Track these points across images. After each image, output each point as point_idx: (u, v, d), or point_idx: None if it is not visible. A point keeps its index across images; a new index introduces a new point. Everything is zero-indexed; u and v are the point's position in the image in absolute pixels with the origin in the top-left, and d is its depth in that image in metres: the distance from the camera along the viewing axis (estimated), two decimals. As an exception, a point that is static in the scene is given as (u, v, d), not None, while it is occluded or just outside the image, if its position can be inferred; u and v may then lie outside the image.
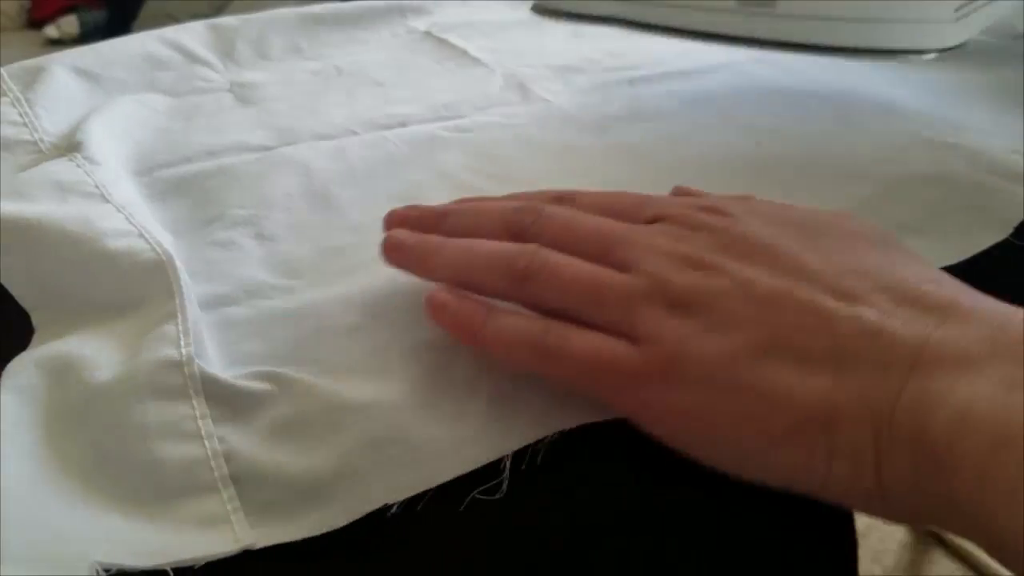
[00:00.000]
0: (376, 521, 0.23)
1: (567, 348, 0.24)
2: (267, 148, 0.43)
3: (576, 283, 0.25)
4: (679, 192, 0.32)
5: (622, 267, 0.25)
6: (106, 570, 0.20)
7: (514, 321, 0.25)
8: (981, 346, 0.20)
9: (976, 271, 0.33)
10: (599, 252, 0.25)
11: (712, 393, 0.22)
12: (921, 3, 0.42)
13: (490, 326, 0.25)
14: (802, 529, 0.26)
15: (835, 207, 0.36)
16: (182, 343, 0.26)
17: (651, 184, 0.33)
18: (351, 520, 0.23)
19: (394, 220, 0.30)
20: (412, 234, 0.29)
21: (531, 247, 0.26)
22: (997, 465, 0.19)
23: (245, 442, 0.24)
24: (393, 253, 0.29)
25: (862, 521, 0.25)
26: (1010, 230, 0.35)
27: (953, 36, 0.44)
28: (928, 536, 1.12)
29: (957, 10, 0.41)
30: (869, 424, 0.21)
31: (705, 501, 0.24)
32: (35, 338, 0.29)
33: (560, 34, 0.61)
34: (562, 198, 0.29)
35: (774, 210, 0.27)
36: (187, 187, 0.39)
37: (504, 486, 0.24)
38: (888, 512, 0.22)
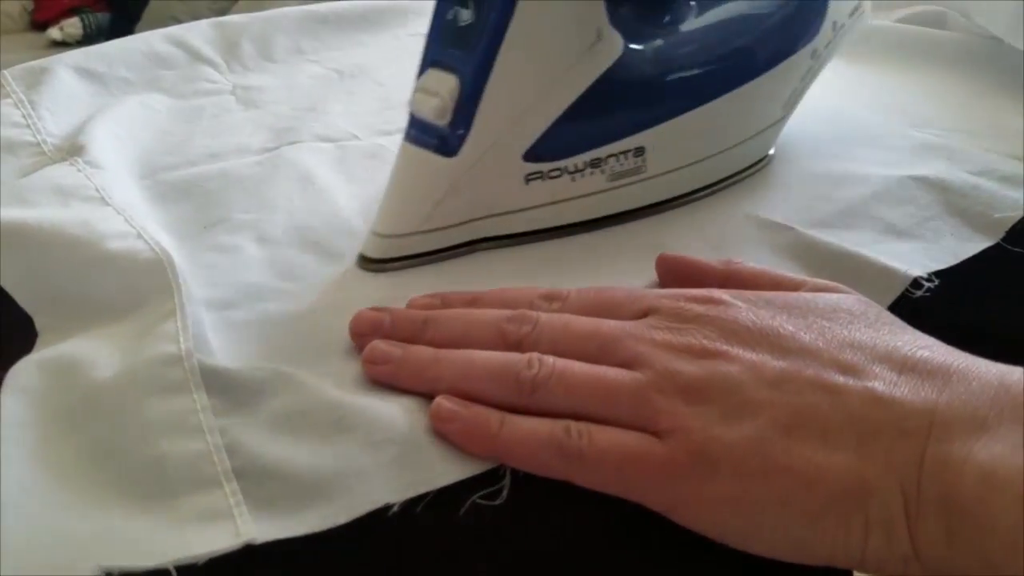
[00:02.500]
0: (376, 521, 0.23)
1: (592, 447, 0.23)
2: (269, 151, 0.43)
3: (586, 386, 0.25)
4: (664, 261, 0.32)
5: (627, 365, 0.25)
6: (108, 574, 0.20)
7: (532, 425, 0.24)
8: (988, 408, 0.21)
9: (969, 274, 0.33)
10: (600, 353, 0.25)
11: (746, 479, 0.22)
12: (761, 113, 0.40)
13: (506, 432, 0.24)
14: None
15: (828, 210, 0.37)
16: (181, 339, 0.26)
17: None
18: (352, 518, 0.23)
19: (364, 326, 0.28)
20: (399, 347, 0.27)
21: (535, 356, 0.25)
22: None
23: (248, 435, 0.24)
24: (378, 367, 0.27)
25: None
26: (1002, 234, 0.35)
27: (781, 130, 0.42)
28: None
29: (784, 106, 0.41)
30: (898, 491, 0.21)
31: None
32: (38, 342, 0.29)
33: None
34: (551, 296, 0.29)
35: (756, 294, 0.27)
36: (189, 190, 0.40)
37: (504, 492, 0.24)
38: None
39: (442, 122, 0.32)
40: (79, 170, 0.38)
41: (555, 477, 0.24)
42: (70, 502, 0.22)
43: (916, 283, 0.32)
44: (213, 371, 0.26)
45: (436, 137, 0.33)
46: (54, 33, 2.34)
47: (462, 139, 0.32)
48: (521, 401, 0.25)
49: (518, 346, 0.26)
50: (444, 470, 0.24)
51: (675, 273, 0.31)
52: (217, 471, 0.23)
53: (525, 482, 0.24)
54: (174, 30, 0.56)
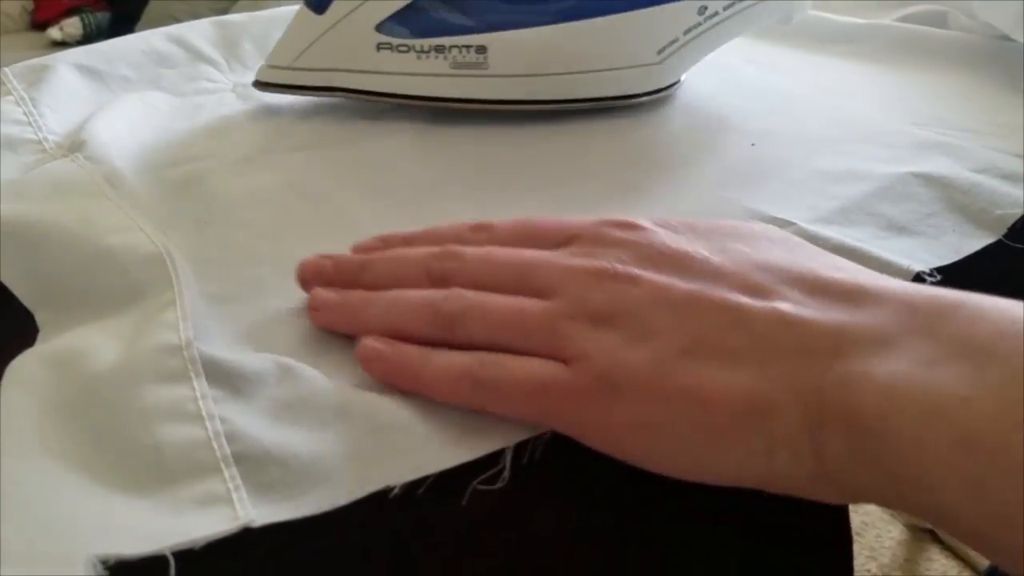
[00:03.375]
0: (376, 505, 0.23)
1: (504, 377, 0.24)
2: (268, 148, 0.44)
3: (501, 318, 0.25)
4: None
5: (542, 293, 0.25)
6: (104, 563, 0.20)
7: (450, 359, 0.25)
8: (894, 326, 0.22)
9: (970, 271, 0.33)
10: (517, 283, 0.26)
11: (648, 402, 0.23)
12: (624, 50, 0.44)
13: (428, 368, 0.25)
14: (798, 528, 0.26)
15: (830, 207, 0.37)
16: (181, 328, 0.26)
17: (647, 185, 0.33)
18: (352, 500, 0.23)
19: (308, 273, 0.30)
20: (335, 293, 0.29)
21: (454, 291, 0.26)
22: (930, 436, 0.20)
23: (248, 421, 0.24)
24: (318, 314, 0.29)
25: (857, 519, 0.26)
26: (1004, 230, 0.35)
27: (660, 78, 0.46)
28: (924, 533, 1.12)
29: (659, 52, 0.44)
30: (801, 410, 0.21)
31: (703, 499, 0.24)
32: (39, 337, 0.29)
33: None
34: (479, 228, 0.30)
35: (681, 221, 0.27)
36: (190, 186, 0.40)
37: (505, 474, 0.24)
38: (833, 494, 0.22)
39: None
40: (79, 166, 0.38)
41: (476, 408, 0.25)
42: (68, 489, 0.23)
43: (918, 278, 0.32)
44: (212, 360, 0.26)
45: None
46: (54, 33, 2.35)
47: (328, 1, 0.42)
48: (443, 336, 0.26)
49: (443, 281, 0.27)
50: (445, 454, 0.24)
51: None
52: (216, 457, 0.23)
53: (526, 468, 0.24)
54: (175, 29, 0.56)
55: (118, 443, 0.24)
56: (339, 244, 0.32)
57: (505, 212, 0.31)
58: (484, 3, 0.41)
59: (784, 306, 0.23)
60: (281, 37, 0.44)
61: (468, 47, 0.42)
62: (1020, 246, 0.34)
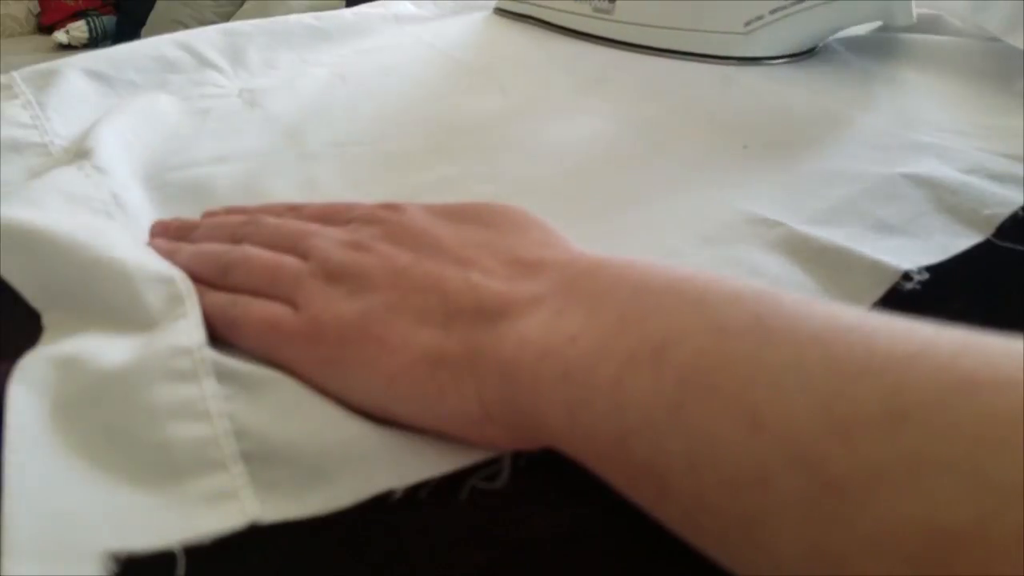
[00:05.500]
0: (379, 506, 0.23)
1: (245, 316, 0.28)
2: (274, 154, 0.44)
3: (261, 268, 0.30)
4: None
5: (303, 256, 0.30)
6: (114, 559, 0.20)
7: (213, 298, 0.30)
8: (549, 289, 0.25)
9: (958, 269, 0.34)
10: (289, 247, 0.31)
11: (344, 345, 0.26)
12: (713, 16, 0.57)
13: (201, 302, 0.30)
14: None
15: (821, 207, 0.37)
16: (192, 332, 0.27)
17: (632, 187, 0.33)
18: (356, 501, 0.23)
19: (156, 228, 0.37)
20: (163, 243, 0.34)
21: (236, 247, 0.32)
22: (543, 372, 0.23)
23: (256, 420, 0.25)
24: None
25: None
26: (992, 230, 0.35)
27: (746, 48, 0.56)
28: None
29: (746, 24, 0.55)
30: (468, 362, 0.25)
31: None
32: (45, 335, 0.30)
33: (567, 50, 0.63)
34: (292, 207, 0.35)
35: (450, 208, 0.31)
36: (196, 191, 0.40)
37: (504, 474, 0.24)
38: (503, 438, 0.25)
39: None
40: (87, 175, 0.39)
41: (227, 341, 0.28)
42: (76, 486, 0.23)
43: (907, 276, 0.32)
44: (222, 361, 0.26)
45: None
46: (60, 36, 2.36)
47: None
48: (220, 280, 0.30)
49: (239, 240, 0.32)
50: (447, 458, 0.25)
51: None
52: (224, 454, 0.24)
53: (526, 468, 0.25)
54: (182, 35, 0.57)
55: (127, 440, 0.24)
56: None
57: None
58: None
59: (475, 276, 0.26)
60: None
61: None
62: (1008, 245, 0.35)
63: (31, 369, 0.27)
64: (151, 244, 0.34)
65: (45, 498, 0.22)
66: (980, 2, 0.52)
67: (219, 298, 0.30)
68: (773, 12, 0.54)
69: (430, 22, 0.68)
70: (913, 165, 0.39)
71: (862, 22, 0.57)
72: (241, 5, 2.15)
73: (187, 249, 0.33)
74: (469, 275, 0.27)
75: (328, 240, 0.30)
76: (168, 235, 0.36)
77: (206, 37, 0.57)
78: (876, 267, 0.32)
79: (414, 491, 0.24)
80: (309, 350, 0.27)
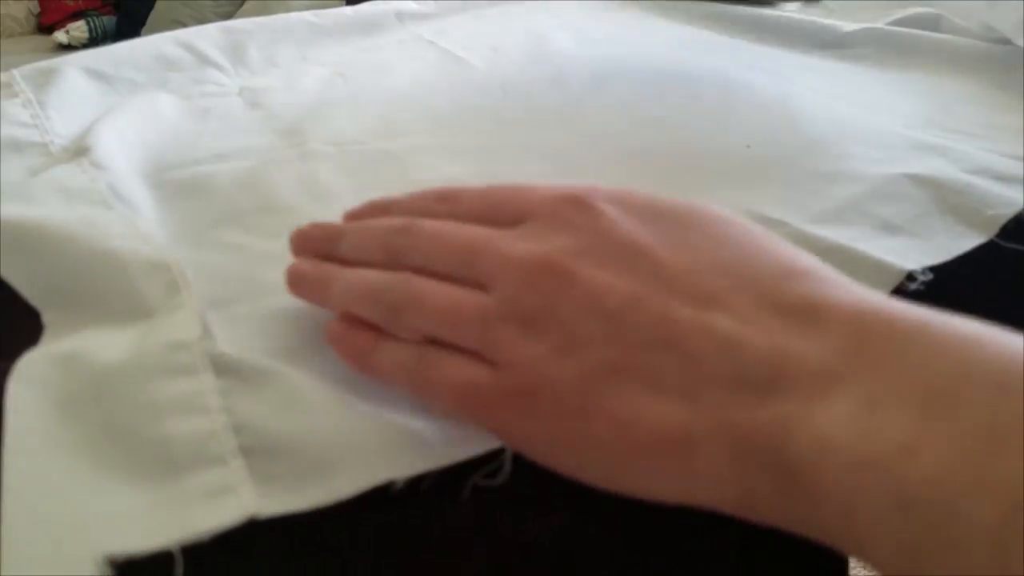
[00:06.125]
0: (379, 499, 0.23)
1: (437, 377, 0.24)
2: (274, 152, 0.44)
3: (436, 311, 0.25)
4: None
5: (481, 283, 0.25)
6: (113, 562, 0.20)
7: (392, 350, 0.26)
8: (842, 358, 0.20)
9: (962, 270, 0.34)
10: (463, 269, 0.26)
11: (565, 419, 0.22)
12: None
13: (375, 356, 0.26)
14: (794, 536, 0.26)
15: (824, 207, 0.37)
16: (191, 326, 0.27)
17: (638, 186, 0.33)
18: (357, 492, 0.23)
19: (297, 240, 0.31)
20: (311, 265, 0.30)
21: (400, 278, 0.26)
22: (864, 492, 0.18)
23: (255, 414, 0.25)
24: (294, 287, 0.30)
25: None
26: (996, 230, 0.35)
27: None
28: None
29: None
30: (727, 449, 0.20)
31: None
32: (45, 335, 0.30)
33: (565, 40, 0.62)
34: (444, 198, 0.29)
35: (645, 202, 0.26)
36: (195, 189, 0.40)
37: (506, 469, 0.24)
38: (758, 520, 0.21)
39: None
40: (84, 171, 0.38)
41: (418, 399, 0.25)
42: (75, 485, 0.23)
43: (911, 277, 0.32)
44: (221, 356, 0.26)
45: None
46: (60, 36, 2.36)
47: None
48: (388, 324, 0.26)
49: (397, 258, 0.27)
50: (448, 450, 0.25)
51: None
52: (223, 449, 0.24)
53: (527, 466, 0.25)
54: (182, 33, 0.57)
55: (126, 435, 0.24)
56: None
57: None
58: None
59: (723, 323, 0.21)
60: None
61: None
62: (1012, 246, 0.35)
63: (30, 367, 0.27)
64: (295, 268, 0.30)
65: (44, 500, 0.22)
66: (992, 1, 0.52)
67: (399, 354, 0.25)
68: None
69: (432, 19, 0.68)
70: (916, 165, 0.39)
71: None
72: (241, 5, 2.15)
73: (343, 279, 0.28)
74: (714, 323, 0.21)
75: (509, 263, 0.24)
76: (311, 249, 0.30)
77: (206, 35, 0.57)
78: (880, 267, 0.32)
79: (416, 483, 0.24)
80: (520, 420, 0.23)
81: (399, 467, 0.24)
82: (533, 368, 0.23)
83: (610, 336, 0.22)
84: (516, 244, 0.25)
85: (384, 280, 0.27)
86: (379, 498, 0.23)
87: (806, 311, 0.21)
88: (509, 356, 0.23)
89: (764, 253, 0.24)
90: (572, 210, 0.25)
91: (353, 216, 0.32)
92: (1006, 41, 0.52)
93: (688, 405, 0.21)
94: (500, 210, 0.28)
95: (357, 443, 0.24)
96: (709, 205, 0.26)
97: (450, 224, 0.28)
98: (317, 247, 0.30)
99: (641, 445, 0.21)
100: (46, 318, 0.31)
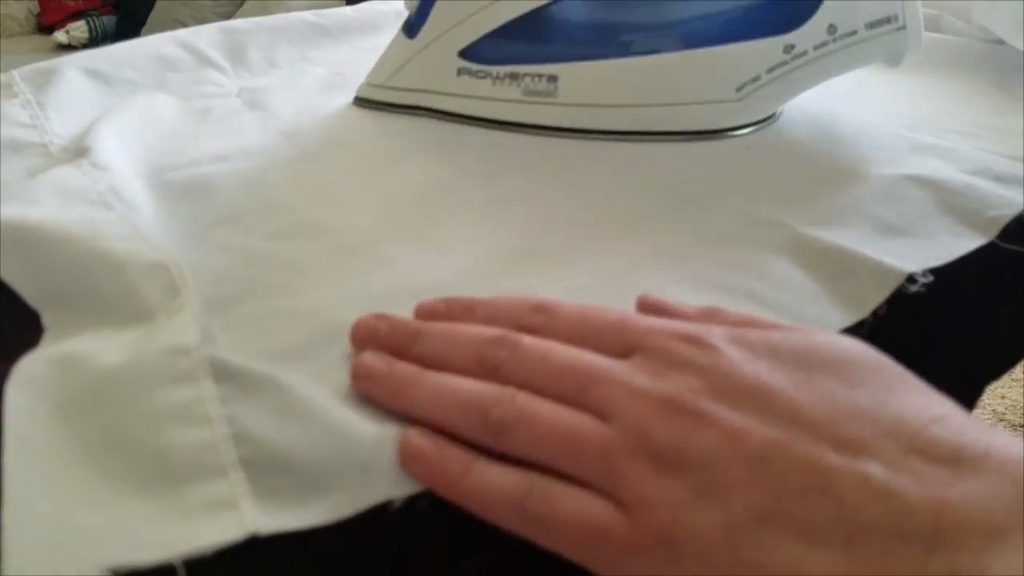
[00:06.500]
0: (379, 516, 0.23)
1: (553, 513, 0.22)
2: (274, 152, 0.44)
3: (553, 436, 0.23)
4: (645, 305, 0.29)
5: (600, 411, 0.23)
6: (115, 573, 0.20)
7: (495, 477, 0.23)
8: (1006, 507, 0.19)
9: (963, 271, 0.34)
10: (575, 393, 0.24)
11: (711, 569, 0.20)
12: (699, 86, 0.44)
13: (470, 480, 0.23)
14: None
15: (826, 208, 0.37)
16: (191, 330, 0.27)
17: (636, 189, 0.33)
18: (356, 511, 0.23)
19: (360, 334, 0.28)
20: (383, 362, 0.27)
21: (507, 393, 0.24)
22: None
23: (255, 424, 0.24)
24: (362, 383, 0.26)
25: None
26: (996, 231, 0.35)
27: (739, 116, 0.45)
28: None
29: (739, 89, 0.43)
30: None
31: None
32: (45, 337, 0.29)
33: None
34: (540, 308, 0.27)
35: (759, 338, 0.24)
36: (195, 189, 0.40)
37: None
38: None
39: (410, 12, 0.47)
40: (84, 172, 0.38)
41: (515, 533, 0.23)
42: (76, 494, 0.23)
43: (911, 279, 0.32)
44: (221, 362, 0.26)
45: (408, 24, 0.47)
46: (60, 36, 2.36)
47: (419, 28, 0.46)
48: (489, 441, 0.24)
49: (496, 371, 0.25)
50: None
51: (653, 312, 0.29)
52: (223, 461, 0.23)
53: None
54: (182, 34, 0.57)
55: (126, 444, 0.24)
56: (346, 246, 0.33)
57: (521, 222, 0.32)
58: (558, 34, 0.44)
59: (876, 471, 0.20)
60: (379, 58, 0.48)
61: (540, 76, 0.44)
62: (1012, 247, 0.35)
63: (29, 370, 0.26)
64: (363, 362, 0.27)
65: (45, 510, 0.22)
66: (989, 1, 0.52)
67: (503, 481, 0.23)
68: (771, 71, 0.42)
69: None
70: (916, 167, 0.39)
71: (864, 65, 0.45)
72: (241, 5, 2.15)
73: (429, 384, 0.25)
74: (866, 470, 0.20)
75: (632, 394, 0.23)
76: (377, 343, 0.28)
77: (206, 35, 0.57)
78: (880, 269, 0.32)
79: (413, 501, 0.23)
80: (658, 570, 0.21)
81: (399, 485, 0.24)
82: (672, 513, 0.21)
83: (755, 481, 0.20)
84: (634, 376, 0.23)
85: (490, 393, 0.24)
86: (378, 511, 0.23)
87: (956, 458, 0.20)
88: (642, 496, 0.21)
89: (899, 395, 0.22)
90: (689, 348, 0.24)
91: (427, 313, 0.30)
92: (1005, 42, 0.52)
93: (848, 556, 0.19)
94: (605, 336, 0.26)
95: (358, 460, 0.24)
96: (818, 336, 0.25)
97: (557, 344, 0.26)
98: (386, 342, 0.28)
99: None
100: (46, 319, 0.30)
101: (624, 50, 0.43)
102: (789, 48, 0.41)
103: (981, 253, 0.34)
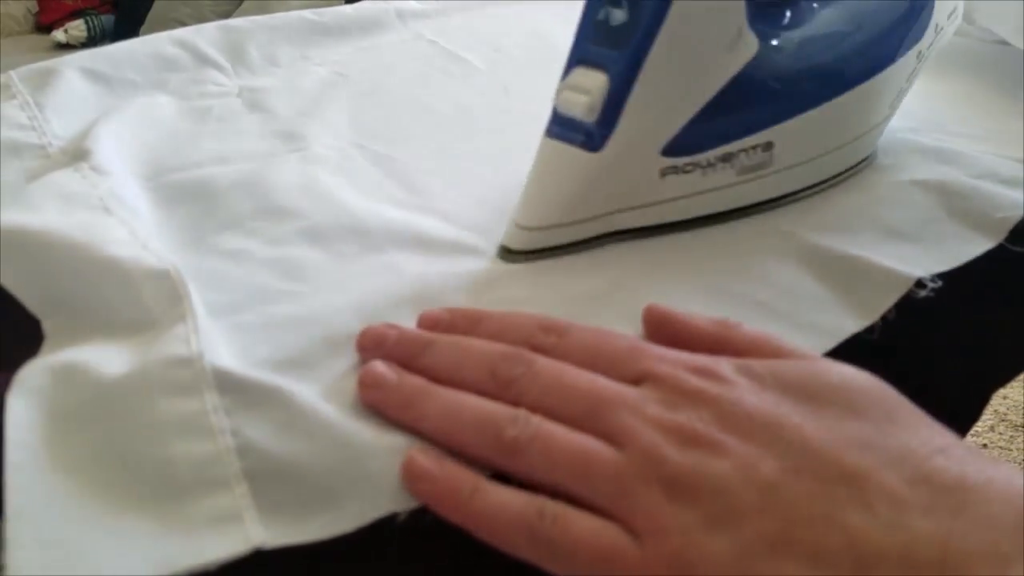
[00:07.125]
0: (383, 529, 0.23)
1: (564, 538, 0.22)
2: (275, 155, 0.44)
3: (567, 459, 0.23)
4: (653, 315, 0.29)
5: (612, 436, 0.23)
6: None
7: (504, 499, 0.23)
8: (1011, 539, 0.19)
9: (972, 275, 0.33)
10: (588, 416, 0.24)
11: None
12: (880, 107, 0.41)
13: (477, 502, 0.23)
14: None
15: (833, 215, 0.37)
16: (192, 341, 0.26)
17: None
18: (360, 525, 0.23)
19: (368, 341, 0.28)
20: (392, 372, 0.26)
21: (521, 414, 0.24)
22: None
23: (258, 435, 0.24)
24: (370, 391, 0.26)
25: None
26: (1004, 234, 0.35)
27: (885, 129, 0.43)
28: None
29: (891, 105, 0.42)
30: None
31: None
32: (45, 345, 0.29)
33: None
34: (550, 328, 0.27)
35: (766, 369, 0.25)
36: (196, 192, 0.40)
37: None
38: None
39: (590, 119, 0.33)
40: (84, 177, 0.38)
41: (524, 559, 0.22)
42: (79, 508, 0.22)
43: (920, 284, 0.32)
44: (224, 373, 0.25)
45: (582, 133, 0.34)
46: (58, 35, 2.36)
47: (607, 136, 0.33)
48: (501, 460, 0.24)
49: (508, 388, 0.25)
50: None
51: (663, 329, 0.29)
52: (227, 473, 0.23)
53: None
54: (181, 33, 0.57)
55: (128, 456, 0.24)
56: (349, 244, 0.33)
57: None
58: (766, 93, 0.37)
59: (882, 500, 0.21)
60: (533, 190, 0.36)
61: (756, 147, 0.37)
62: (1021, 250, 0.35)
63: (30, 380, 0.26)
64: (372, 371, 0.26)
65: (49, 525, 0.22)
66: (991, 2, 0.52)
67: (513, 503, 0.23)
68: (908, 79, 0.41)
69: (433, 18, 0.67)
70: (923, 171, 0.39)
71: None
72: (240, 3, 2.15)
73: (441, 399, 0.25)
74: (872, 499, 0.21)
75: (648, 422, 0.23)
76: (384, 352, 0.27)
77: (205, 34, 0.57)
78: (889, 275, 0.32)
79: (418, 515, 0.23)
80: None
81: (403, 499, 0.23)
82: (685, 539, 0.21)
83: (767, 509, 0.21)
84: (646, 404, 0.24)
85: (505, 412, 0.24)
86: (382, 524, 0.23)
87: (960, 487, 0.21)
88: (656, 524, 0.21)
89: (903, 425, 0.23)
90: (699, 379, 0.24)
91: (431, 322, 0.29)
92: (1008, 43, 0.52)
93: None
94: (616, 362, 0.26)
95: (361, 472, 0.24)
96: (823, 366, 0.25)
97: (571, 367, 0.26)
98: (394, 351, 0.27)
99: None
100: (46, 326, 0.30)
101: (821, 96, 0.38)
102: (920, 55, 0.41)
103: (990, 256, 0.34)
